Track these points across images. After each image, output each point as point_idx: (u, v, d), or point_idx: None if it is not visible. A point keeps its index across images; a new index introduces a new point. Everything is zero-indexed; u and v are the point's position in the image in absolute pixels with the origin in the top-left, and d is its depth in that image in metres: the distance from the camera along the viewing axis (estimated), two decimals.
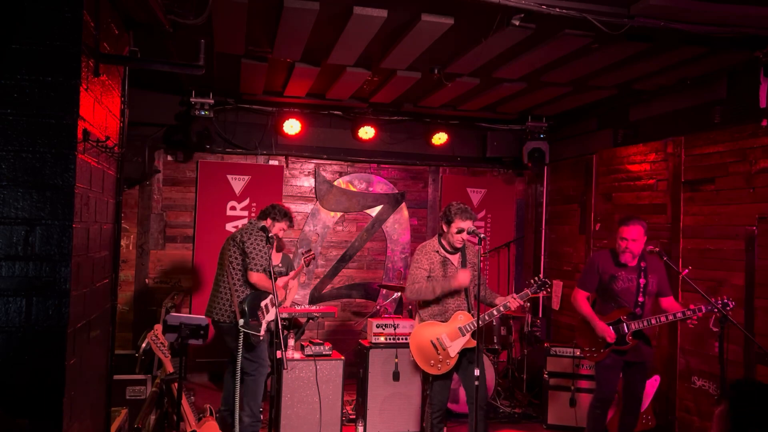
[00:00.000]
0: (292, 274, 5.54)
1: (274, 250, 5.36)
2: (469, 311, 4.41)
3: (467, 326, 4.33)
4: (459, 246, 4.41)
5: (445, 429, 5.26)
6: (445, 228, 4.39)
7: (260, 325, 4.82)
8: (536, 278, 4.35)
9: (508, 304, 4.30)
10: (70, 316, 2.62)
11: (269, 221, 5.06)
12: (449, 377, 4.44)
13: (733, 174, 5.06)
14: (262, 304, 4.87)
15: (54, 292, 2.58)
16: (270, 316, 4.90)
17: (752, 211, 4.84)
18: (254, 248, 4.86)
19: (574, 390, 5.66)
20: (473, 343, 4.35)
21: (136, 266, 6.88)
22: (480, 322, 4.24)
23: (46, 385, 2.57)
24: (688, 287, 4.97)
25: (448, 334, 4.33)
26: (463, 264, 4.48)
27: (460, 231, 4.31)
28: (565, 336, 7.07)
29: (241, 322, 4.78)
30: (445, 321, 4.38)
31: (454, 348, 4.33)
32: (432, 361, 4.34)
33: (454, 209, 4.32)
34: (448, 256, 4.43)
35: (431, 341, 4.34)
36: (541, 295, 4.59)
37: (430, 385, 4.47)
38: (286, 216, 5.15)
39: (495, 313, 4.33)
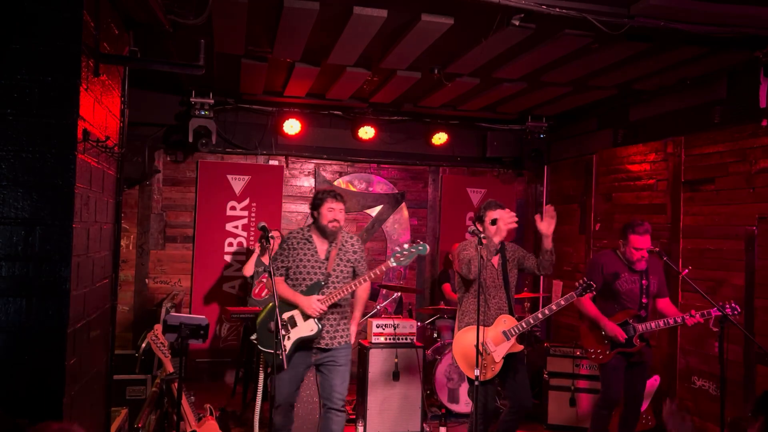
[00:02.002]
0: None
1: (319, 242, 4.25)
2: (510, 313, 4.31)
3: (512, 330, 4.20)
4: (500, 238, 4.25)
5: (444, 429, 5.28)
6: (480, 227, 4.30)
7: (279, 342, 3.97)
8: (582, 281, 4.24)
9: (553, 307, 4.22)
10: (70, 316, 2.62)
11: (315, 214, 4.22)
12: (493, 382, 4.33)
13: (733, 174, 5.06)
14: (285, 316, 4.14)
15: (54, 292, 2.58)
16: (299, 332, 4.11)
17: (752, 211, 4.84)
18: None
19: (574, 390, 5.66)
20: (519, 348, 4.25)
21: (136, 266, 6.88)
22: (525, 325, 4.20)
23: (46, 385, 2.57)
24: (688, 287, 4.97)
25: (493, 339, 4.21)
26: (504, 265, 4.37)
27: (494, 222, 4.24)
28: (565, 336, 7.07)
29: (252, 336, 4.32)
30: (488, 325, 4.23)
31: (499, 353, 4.21)
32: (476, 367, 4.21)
33: (483, 205, 4.40)
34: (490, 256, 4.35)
35: (475, 346, 4.16)
36: (587, 296, 4.44)
37: (476, 391, 4.20)
38: (326, 193, 4.22)
39: (540, 316, 4.23)
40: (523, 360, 4.42)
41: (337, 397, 4.18)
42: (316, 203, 4.21)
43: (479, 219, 4.37)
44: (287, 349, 4.07)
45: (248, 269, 6.19)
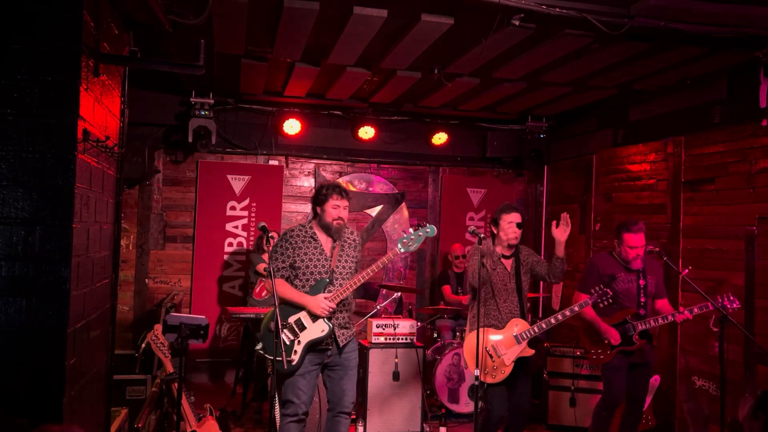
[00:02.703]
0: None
1: (324, 239, 4.05)
2: (522, 317, 4.29)
3: (523, 334, 4.18)
4: (514, 243, 4.29)
5: (444, 429, 5.28)
6: (495, 230, 4.35)
7: (289, 347, 3.88)
8: (598, 287, 4.23)
9: (567, 313, 4.20)
10: (70, 316, 2.62)
11: (318, 210, 4.02)
12: (505, 385, 4.29)
13: (733, 174, 5.06)
14: (291, 319, 3.90)
15: (54, 292, 2.58)
16: (309, 334, 3.88)
17: (752, 211, 4.84)
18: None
19: (574, 390, 5.66)
20: (530, 352, 4.23)
21: (136, 266, 6.88)
22: (537, 329, 4.19)
23: (46, 385, 2.57)
24: (688, 287, 4.97)
25: (504, 342, 4.20)
26: (517, 269, 4.35)
27: (509, 224, 4.28)
28: (565, 336, 7.06)
29: (258, 346, 4.02)
30: (500, 329, 4.24)
31: (509, 356, 4.19)
32: (486, 369, 4.19)
33: (499, 208, 4.38)
34: (503, 261, 4.35)
35: (486, 349, 4.18)
36: (601, 303, 4.34)
37: (484, 394, 4.26)
38: (331, 188, 4.00)
39: (553, 321, 4.21)
40: (530, 365, 4.41)
41: (348, 402, 4.07)
42: (320, 199, 3.99)
43: (494, 222, 4.39)
44: (298, 354, 3.85)
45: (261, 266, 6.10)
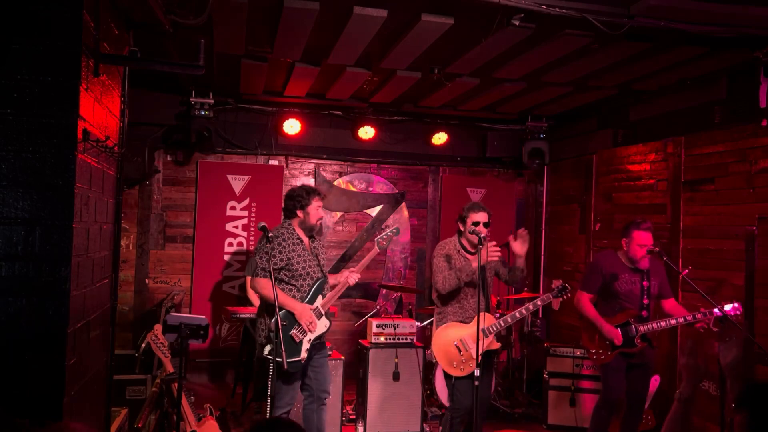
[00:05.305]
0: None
1: (305, 240, 4.32)
2: (488, 312, 4.36)
3: (490, 328, 4.28)
4: (476, 241, 4.33)
5: None
6: (461, 227, 4.42)
7: (299, 345, 4.16)
8: (558, 283, 4.33)
9: (530, 307, 4.29)
10: (70, 316, 2.62)
11: (300, 213, 4.24)
12: (473, 378, 4.37)
13: (733, 174, 5.06)
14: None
15: (54, 292, 2.58)
16: (318, 331, 4.25)
17: (752, 211, 4.84)
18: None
19: (574, 390, 5.66)
20: (496, 345, 4.37)
21: (136, 266, 6.88)
22: (503, 323, 4.29)
23: (46, 385, 2.57)
24: (688, 287, 4.97)
25: (471, 336, 4.24)
26: (483, 265, 4.39)
27: (476, 224, 4.32)
28: (565, 336, 7.07)
29: (266, 350, 4.10)
30: (467, 323, 4.34)
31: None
32: (455, 363, 4.30)
33: (467, 206, 4.46)
34: (468, 256, 4.41)
35: (455, 343, 4.30)
36: (559, 300, 4.54)
37: (452, 387, 4.38)
38: (312, 191, 4.27)
39: (517, 315, 4.31)
40: (495, 359, 4.48)
41: (328, 387, 4.43)
42: (302, 203, 4.21)
43: (461, 219, 4.44)
44: (308, 351, 4.20)
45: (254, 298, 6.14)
